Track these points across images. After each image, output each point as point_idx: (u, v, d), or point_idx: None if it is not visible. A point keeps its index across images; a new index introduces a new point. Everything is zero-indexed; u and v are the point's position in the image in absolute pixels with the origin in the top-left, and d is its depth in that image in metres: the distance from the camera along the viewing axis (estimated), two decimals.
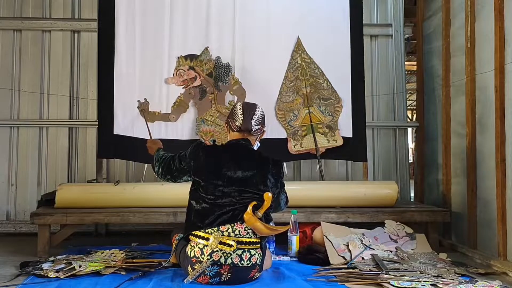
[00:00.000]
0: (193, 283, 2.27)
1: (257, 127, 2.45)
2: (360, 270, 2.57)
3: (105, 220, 3.14)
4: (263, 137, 2.58)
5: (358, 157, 3.71)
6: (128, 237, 3.71)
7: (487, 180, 3.03)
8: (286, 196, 2.57)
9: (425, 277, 2.43)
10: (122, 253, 2.82)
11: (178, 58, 3.51)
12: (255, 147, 2.50)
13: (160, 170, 2.52)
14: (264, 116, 2.51)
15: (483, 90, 3.12)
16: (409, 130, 4.53)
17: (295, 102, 3.59)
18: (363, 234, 2.99)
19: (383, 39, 4.26)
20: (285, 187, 2.55)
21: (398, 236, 3.04)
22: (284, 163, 2.64)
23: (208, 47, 3.52)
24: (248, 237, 2.29)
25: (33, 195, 3.88)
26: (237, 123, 2.44)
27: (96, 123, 3.54)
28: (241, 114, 2.43)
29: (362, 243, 2.90)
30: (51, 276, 2.40)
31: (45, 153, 3.93)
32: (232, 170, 2.35)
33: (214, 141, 3.28)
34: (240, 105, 2.49)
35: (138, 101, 3.42)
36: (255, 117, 2.44)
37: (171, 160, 2.49)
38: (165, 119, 3.46)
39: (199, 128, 3.48)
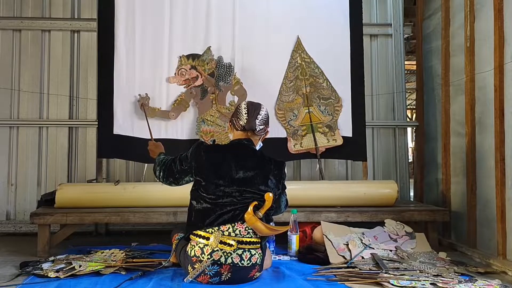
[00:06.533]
0: (193, 282, 2.27)
1: (261, 127, 2.45)
2: (360, 269, 2.58)
3: (105, 220, 3.14)
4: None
5: (357, 157, 3.71)
6: (128, 237, 3.71)
7: (486, 179, 3.04)
8: (286, 199, 2.57)
9: (425, 276, 2.43)
10: (122, 253, 2.82)
11: (180, 57, 3.50)
12: (257, 147, 2.49)
13: (162, 173, 2.51)
14: (268, 116, 2.50)
15: (482, 89, 3.12)
16: (409, 129, 4.55)
17: (295, 101, 3.59)
18: (363, 234, 3.00)
19: (382, 38, 4.27)
20: (286, 189, 2.55)
21: (397, 235, 3.04)
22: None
23: (210, 46, 3.52)
24: (248, 237, 2.29)
25: (33, 195, 3.88)
26: (241, 122, 2.43)
27: (96, 123, 3.53)
28: (245, 113, 2.43)
29: (362, 243, 2.91)
30: (51, 276, 2.40)
31: (45, 153, 3.93)
32: (234, 170, 2.35)
33: (214, 141, 3.28)
34: (245, 104, 2.49)
35: (139, 95, 3.42)
36: (260, 117, 2.44)
37: (172, 162, 2.48)
38: (164, 116, 3.44)
39: (199, 128, 3.47)
